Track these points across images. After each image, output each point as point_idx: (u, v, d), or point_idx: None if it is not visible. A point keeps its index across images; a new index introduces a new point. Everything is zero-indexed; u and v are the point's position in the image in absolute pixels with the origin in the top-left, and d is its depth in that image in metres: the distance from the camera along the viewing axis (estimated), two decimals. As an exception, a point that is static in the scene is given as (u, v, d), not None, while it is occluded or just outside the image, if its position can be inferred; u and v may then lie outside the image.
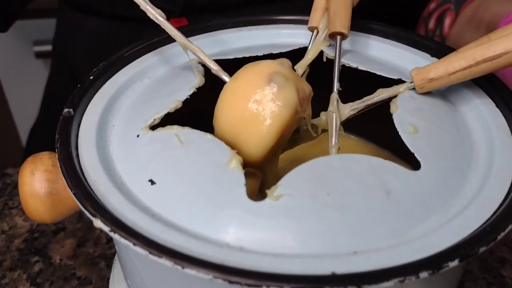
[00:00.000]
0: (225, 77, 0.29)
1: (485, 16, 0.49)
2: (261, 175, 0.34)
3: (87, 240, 0.48)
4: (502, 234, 0.21)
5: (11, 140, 0.99)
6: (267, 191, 0.22)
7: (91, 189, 0.23)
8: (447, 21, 0.55)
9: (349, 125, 0.31)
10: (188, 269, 0.19)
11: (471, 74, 0.27)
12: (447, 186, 0.24)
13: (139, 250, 0.20)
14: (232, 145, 0.26)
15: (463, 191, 0.24)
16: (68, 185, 0.22)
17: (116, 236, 0.20)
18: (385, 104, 0.29)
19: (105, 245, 0.47)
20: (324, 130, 0.31)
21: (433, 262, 0.19)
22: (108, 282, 0.40)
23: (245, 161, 0.27)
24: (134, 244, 0.20)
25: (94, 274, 0.45)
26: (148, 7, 0.30)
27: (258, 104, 0.25)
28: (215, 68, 0.29)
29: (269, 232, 0.21)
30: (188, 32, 0.35)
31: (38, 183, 0.26)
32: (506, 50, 0.26)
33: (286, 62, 0.27)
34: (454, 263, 0.19)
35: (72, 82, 0.49)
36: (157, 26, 0.31)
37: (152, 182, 0.24)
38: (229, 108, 0.26)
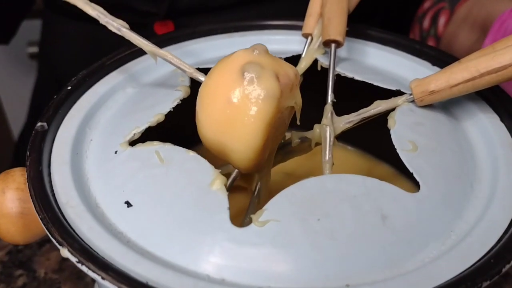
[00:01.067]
0: (200, 77, 0.26)
1: (480, 15, 0.48)
2: (251, 189, 0.32)
3: (74, 252, 0.46)
4: (508, 266, 0.19)
5: (4, 140, 0.98)
6: (252, 216, 0.21)
7: (61, 213, 0.21)
8: (442, 20, 0.54)
9: (345, 135, 0.29)
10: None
11: (474, 86, 0.25)
12: (448, 210, 0.22)
13: (108, 285, 0.18)
14: (220, 152, 0.23)
15: (465, 215, 0.22)
16: (36, 209, 0.21)
17: (84, 268, 0.18)
18: (383, 115, 0.27)
19: None
20: (318, 144, 0.30)
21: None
22: (92, 299, 0.38)
23: (237, 168, 0.25)
24: (103, 278, 0.18)
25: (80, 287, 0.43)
26: (107, 19, 0.28)
27: (237, 101, 0.22)
28: (189, 70, 0.27)
29: (254, 262, 0.20)
30: (175, 38, 0.33)
31: (9, 203, 0.24)
32: (512, 61, 0.24)
33: (260, 47, 0.24)
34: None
35: (58, 89, 0.48)
36: (142, 31, 0.29)
37: (128, 204, 0.22)
38: (208, 110, 0.23)
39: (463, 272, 0.19)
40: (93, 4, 0.28)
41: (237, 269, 0.19)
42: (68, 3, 0.28)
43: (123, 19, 0.44)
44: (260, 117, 0.23)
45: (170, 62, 0.27)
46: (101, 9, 0.28)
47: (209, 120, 0.23)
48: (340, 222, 0.20)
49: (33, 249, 0.47)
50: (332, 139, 0.28)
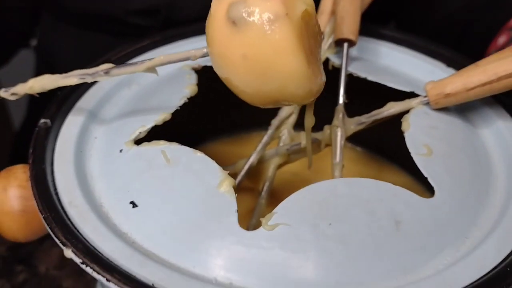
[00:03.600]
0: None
1: None
2: (258, 190, 0.31)
3: (75, 249, 0.46)
4: None
5: (6, 134, 0.97)
6: (262, 220, 0.20)
7: (64, 213, 0.20)
8: None
9: (354, 135, 0.29)
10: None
11: (492, 90, 0.25)
12: (463, 216, 0.21)
13: (113, 287, 0.17)
14: (277, 100, 0.20)
15: (480, 221, 0.21)
16: (39, 208, 0.20)
17: (88, 270, 0.18)
18: (395, 117, 0.26)
19: None
20: (328, 145, 0.29)
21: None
22: (94, 297, 0.37)
23: (302, 102, 0.22)
24: (108, 280, 0.17)
25: (80, 285, 0.43)
26: (93, 73, 0.24)
27: (251, 49, 0.19)
28: (188, 55, 0.23)
29: (262, 266, 0.19)
30: (180, 35, 0.32)
31: (10, 201, 0.24)
32: (532, 65, 0.23)
33: None
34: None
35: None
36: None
37: (133, 204, 0.21)
38: (235, 78, 0.20)
39: (478, 279, 0.18)
40: (69, 73, 0.24)
41: (245, 273, 0.19)
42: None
43: (120, 32, 0.43)
44: (285, 45, 0.19)
45: (169, 62, 0.24)
46: (79, 71, 0.24)
47: (245, 85, 0.20)
48: (352, 227, 0.20)
49: (34, 245, 0.46)
50: (342, 141, 0.27)
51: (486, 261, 0.20)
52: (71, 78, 0.24)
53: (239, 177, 0.28)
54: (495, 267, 0.19)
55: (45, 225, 0.19)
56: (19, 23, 0.53)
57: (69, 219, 0.20)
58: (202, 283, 0.18)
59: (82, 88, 0.27)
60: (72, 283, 0.43)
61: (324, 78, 0.22)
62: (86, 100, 0.27)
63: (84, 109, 0.26)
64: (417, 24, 0.43)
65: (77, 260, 0.18)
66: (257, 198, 0.30)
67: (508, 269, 0.19)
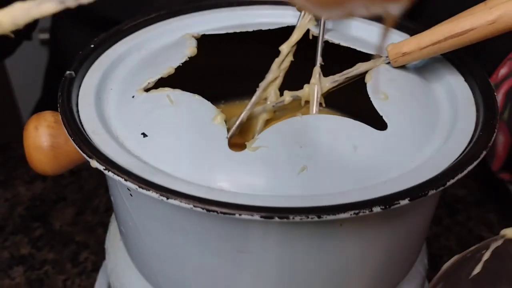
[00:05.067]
0: None
1: None
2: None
3: (86, 209, 0.51)
4: (452, 181, 0.23)
5: (15, 123, 1.02)
6: (246, 143, 0.25)
7: (89, 138, 0.25)
8: None
9: (332, 101, 0.34)
10: (171, 199, 0.21)
11: (441, 49, 0.30)
12: (411, 145, 0.26)
13: (130, 185, 0.22)
14: None
15: (424, 149, 0.26)
16: (68, 133, 0.25)
17: (110, 174, 0.23)
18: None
19: (104, 214, 0.50)
20: (307, 102, 0.34)
21: (386, 200, 0.21)
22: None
23: None
24: (126, 180, 0.22)
25: (92, 239, 0.47)
26: None
27: None
28: None
29: (247, 177, 0.24)
30: (183, 10, 0.38)
31: (41, 137, 0.29)
32: (472, 27, 0.29)
33: None
34: (404, 201, 0.22)
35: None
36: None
37: (144, 135, 0.26)
38: None
39: (414, 185, 0.23)
40: None
41: (232, 182, 0.24)
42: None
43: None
44: None
45: None
46: None
47: None
48: (318, 149, 0.25)
49: (49, 205, 0.51)
50: (319, 96, 0.32)
51: (425, 175, 0.24)
52: (47, 4, 0.18)
53: (231, 131, 0.33)
54: (430, 179, 0.24)
55: (74, 145, 0.24)
56: None
57: (92, 141, 0.25)
58: (199, 187, 0.23)
59: (99, 51, 0.32)
60: (84, 238, 0.48)
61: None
62: (103, 60, 0.32)
63: (101, 66, 0.31)
64: None
65: (101, 167, 0.23)
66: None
67: (438, 176, 0.23)
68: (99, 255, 0.45)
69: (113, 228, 0.35)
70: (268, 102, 0.36)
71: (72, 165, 0.30)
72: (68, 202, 0.51)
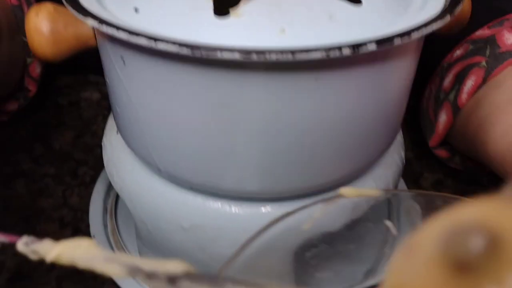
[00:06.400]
0: None
1: None
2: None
3: (86, 133, 0.53)
4: (415, 34, 0.25)
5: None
6: (231, 9, 0.27)
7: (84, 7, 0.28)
8: (469, 83, 0.37)
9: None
10: (160, 44, 0.24)
11: None
12: (383, 19, 0.29)
13: (122, 36, 0.24)
14: None
15: (397, 25, 0.29)
16: (66, 2, 0.27)
17: (103, 28, 0.25)
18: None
19: (102, 137, 0.52)
20: None
21: (355, 44, 0.24)
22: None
23: None
24: (118, 29, 0.24)
25: (91, 158, 0.50)
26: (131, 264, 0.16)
27: None
28: None
29: (230, 39, 0.26)
30: None
31: (41, 22, 0.31)
32: None
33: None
34: (372, 46, 0.24)
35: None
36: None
37: (136, 10, 0.28)
38: None
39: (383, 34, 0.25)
40: (113, 257, 0.16)
41: (219, 39, 0.26)
42: None
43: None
44: None
45: None
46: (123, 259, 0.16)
47: None
48: (296, 16, 0.27)
49: (49, 128, 0.53)
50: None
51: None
52: (114, 266, 0.16)
53: None
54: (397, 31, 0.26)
55: (70, 9, 0.26)
56: None
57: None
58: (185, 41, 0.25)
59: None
60: (83, 156, 0.50)
61: None
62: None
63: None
64: None
65: (95, 23, 0.25)
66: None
67: (404, 31, 0.26)
68: (98, 171, 0.48)
69: (109, 124, 0.38)
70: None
71: (71, 51, 0.32)
72: (68, 127, 0.53)
